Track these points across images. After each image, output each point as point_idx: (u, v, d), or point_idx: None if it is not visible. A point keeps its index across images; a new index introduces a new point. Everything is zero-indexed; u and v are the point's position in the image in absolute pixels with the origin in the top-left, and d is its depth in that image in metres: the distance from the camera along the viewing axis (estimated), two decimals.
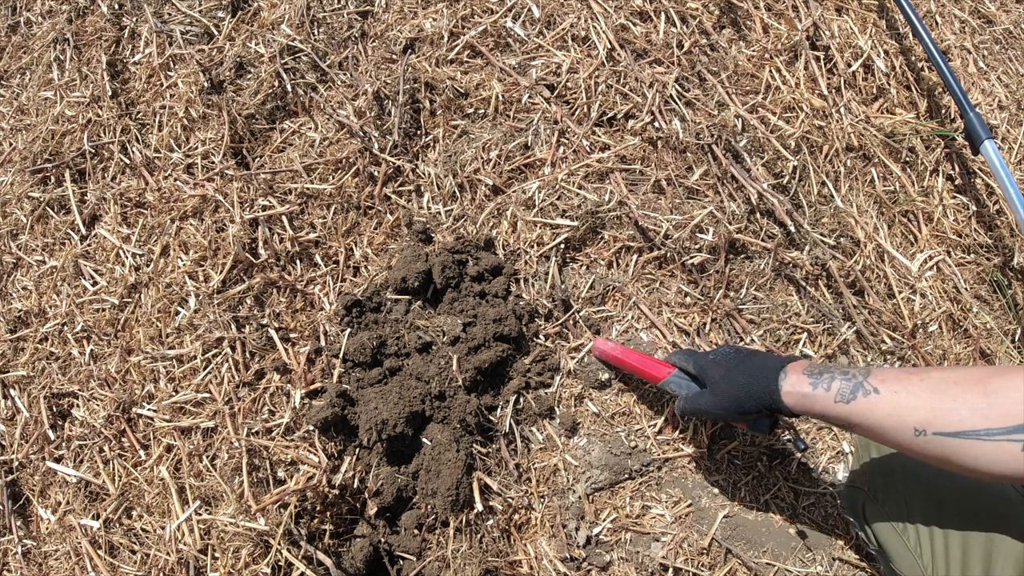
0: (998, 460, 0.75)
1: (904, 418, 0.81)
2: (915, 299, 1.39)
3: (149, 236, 1.40)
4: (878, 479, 1.01)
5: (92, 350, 1.36)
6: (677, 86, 1.35)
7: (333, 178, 1.40)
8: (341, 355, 1.24)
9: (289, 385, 1.24)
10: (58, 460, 1.32)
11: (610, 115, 1.38)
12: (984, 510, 0.88)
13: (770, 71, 1.45)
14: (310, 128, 1.46)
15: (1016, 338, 1.45)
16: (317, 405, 1.20)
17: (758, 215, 1.34)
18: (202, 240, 1.34)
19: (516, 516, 1.21)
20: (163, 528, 1.18)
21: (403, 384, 1.19)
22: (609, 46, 1.38)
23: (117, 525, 1.24)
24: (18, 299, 1.48)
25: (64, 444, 1.33)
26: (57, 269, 1.45)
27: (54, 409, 1.36)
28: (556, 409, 1.27)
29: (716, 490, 1.24)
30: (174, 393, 1.26)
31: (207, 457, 1.21)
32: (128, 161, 1.48)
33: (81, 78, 1.59)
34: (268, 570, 1.09)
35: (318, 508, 1.16)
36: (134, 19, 1.60)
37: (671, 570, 1.18)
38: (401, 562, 1.17)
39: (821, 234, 1.34)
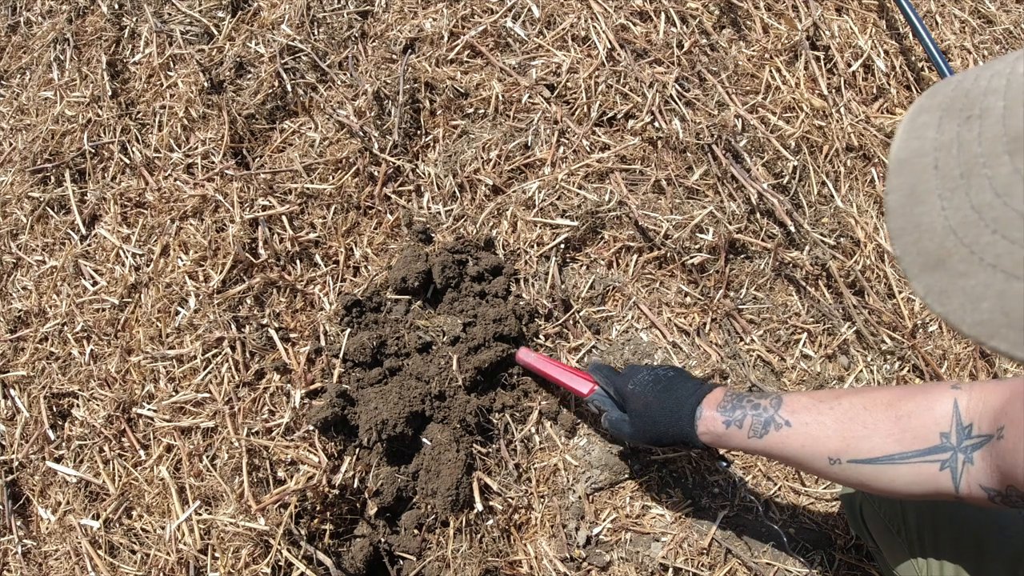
0: (915, 482, 0.76)
1: (817, 449, 0.82)
2: (915, 299, 1.39)
3: (149, 236, 1.40)
4: None
5: (92, 350, 1.36)
6: (677, 86, 1.35)
7: (333, 178, 1.40)
8: (341, 355, 1.24)
9: (289, 385, 1.24)
10: (58, 460, 1.32)
11: (610, 115, 1.38)
12: (976, 510, 0.89)
13: (770, 71, 1.45)
14: (310, 128, 1.46)
15: None
16: (317, 405, 1.20)
17: (758, 215, 1.34)
18: (202, 240, 1.34)
19: (516, 516, 1.21)
20: (163, 528, 1.18)
21: (403, 384, 1.19)
22: (609, 46, 1.38)
23: (117, 525, 1.24)
24: (18, 299, 1.48)
25: (64, 444, 1.33)
26: (57, 269, 1.45)
27: (54, 409, 1.36)
28: (556, 409, 1.27)
29: (716, 490, 1.24)
30: (174, 393, 1.26)
31: (207, 457, 1.21)
32: (128, 161, 1.48)
33: (81, 78, 1.59)
34: (268, 570, 1.09)
35: (318, 508, 1.16)
36: (134, 19, 1.60)
37: (671, 570, 1.18)
38: (401, 562, 1.17)
39: (821, 234, 1.34)
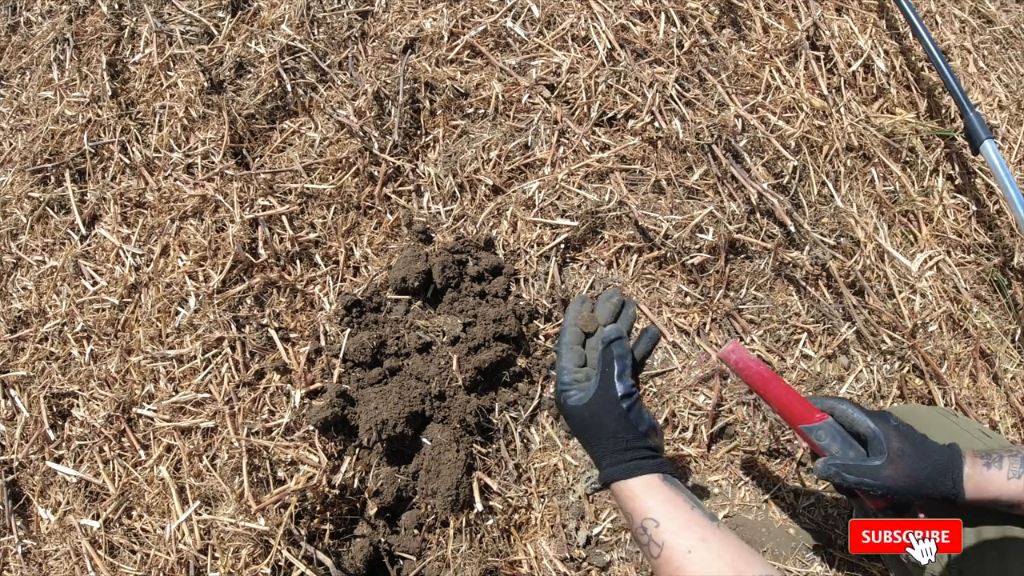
0: None
1: None
2: (915, 299, 1.39)
3: (149, 236, 1.40)
4: None
5: (92, 350, 1.36)
6: (677, 86, 1.35)
7: (333, 178, 1.40)
8: (341, 355, 1.24)
9: (289, 385, 1.24)
10: (58, 460, 1.32)
11: (610, 115, 1.38)
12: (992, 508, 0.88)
13: (770, 71, 1.45)
14: (310, 128, 1.46)
15: (1016, 338, 1.45)
16: (317, 405, 1.20)
17: (758, 215, 1.34)
18: (202, 240, 1.34)
19: (516, 516, 1.21)
20: (163, 528, 1.18)
21: (403, 384, 1.19)
22: (609, 46, 1.38)
23: (117, 525, 1.24)
24: (18, 299, 1.48)
25: (64, 444, 1.33)
26: (57, 269, 1.45)
27: (54, 409, 1.36)
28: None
29: (716, 490, 1.24)
30: (174, 393, 1.26)
31: (207, 457, 1.21)
32: (128, 161, 1.48)
33: (81, 78, 1.59)
34: (268, 570, 1.09)
35: (318, 508, 1.16)
36: (134, 19, 1.60)
37: None
38: (401, 562, 1.17)
39: (821, 234, 1.34)
